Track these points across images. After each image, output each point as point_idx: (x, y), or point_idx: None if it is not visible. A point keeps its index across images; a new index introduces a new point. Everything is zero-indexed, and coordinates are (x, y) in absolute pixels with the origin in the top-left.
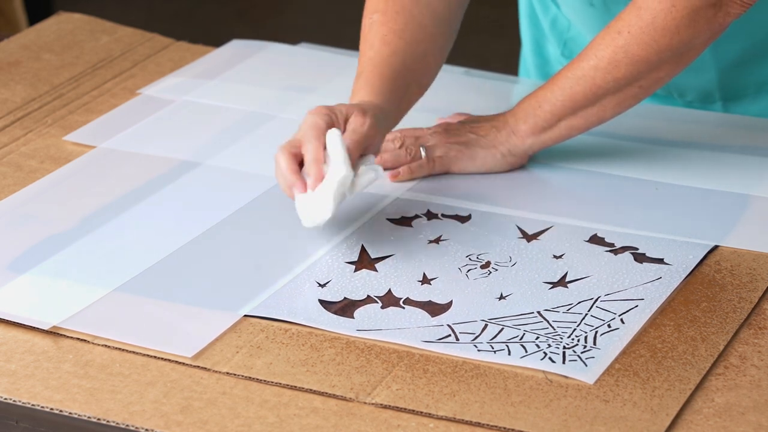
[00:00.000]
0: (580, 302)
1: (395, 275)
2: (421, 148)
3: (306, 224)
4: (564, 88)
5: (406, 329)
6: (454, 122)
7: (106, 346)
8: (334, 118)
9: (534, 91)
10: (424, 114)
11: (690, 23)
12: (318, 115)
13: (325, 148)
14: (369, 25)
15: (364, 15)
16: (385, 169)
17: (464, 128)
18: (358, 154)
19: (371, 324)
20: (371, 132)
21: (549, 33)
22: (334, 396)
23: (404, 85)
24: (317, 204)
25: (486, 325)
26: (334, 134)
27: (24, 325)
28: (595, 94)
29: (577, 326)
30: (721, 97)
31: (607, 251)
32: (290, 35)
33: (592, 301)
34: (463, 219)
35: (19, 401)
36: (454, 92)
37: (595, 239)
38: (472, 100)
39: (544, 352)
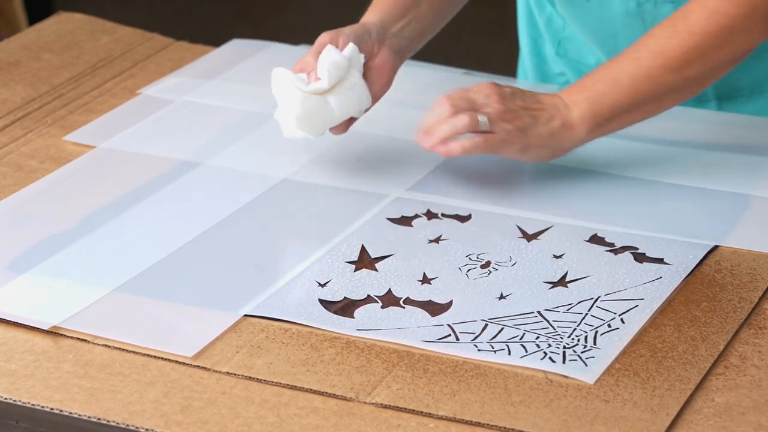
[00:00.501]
0: (580, 302)
1: (395, 275)
2: (480, 117)
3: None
4: (625, 84)
5: (406, 329)
6: (498, 93)
7: (106, 346)
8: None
9: (588, 84)
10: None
11: (764, 27)
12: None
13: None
14: None
15: None
16: (442, 142)
17: (519, 103)
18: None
19: (371, 324)
20: (325, 38)
21: (544, 32)
22: (334, 396)
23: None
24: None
25: (486, 325)
26: (277, 71)
27: (24, 325)
28: (659, 91)
29: (578, 326)
30: (715, 96)
31: (607, 251)
32: (290, 35)
33: (592, 300)
34: (463, 219)
35: (19, 401)
36: None
37: (595, 239)
38: None
39: (545, 352)
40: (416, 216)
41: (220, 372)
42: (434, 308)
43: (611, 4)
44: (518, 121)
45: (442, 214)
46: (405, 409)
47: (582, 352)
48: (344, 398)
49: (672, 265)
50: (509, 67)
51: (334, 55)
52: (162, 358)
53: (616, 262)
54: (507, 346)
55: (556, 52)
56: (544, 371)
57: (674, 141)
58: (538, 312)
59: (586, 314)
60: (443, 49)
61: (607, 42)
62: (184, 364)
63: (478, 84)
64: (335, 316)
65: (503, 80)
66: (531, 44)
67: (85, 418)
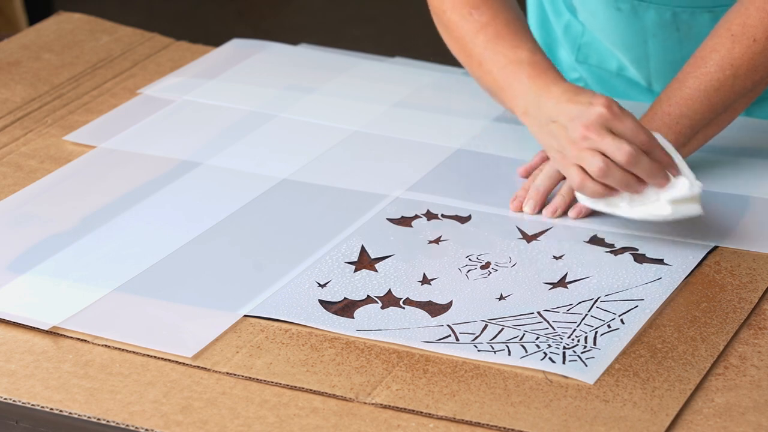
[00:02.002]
0: (580, 303)
1: (395, 275)
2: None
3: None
4: (699, 101)
5: (406, 329)
6: None
7: (106, 346)
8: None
9: (663, 109)
10: (427, 113)
11: None
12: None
13: None
14: (476, 30)
15: (449, 14)
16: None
17: None
18: None
19: (371, 324)
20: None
21: (562, 38)
22: (334, 396)
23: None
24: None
25: (486, 326)
26: (662, 137)
27: (24, 325)
28: (732, 99)
29: (577, 326)
30: None
31: (607, 252)
32: (290, 35)
33: (592, 301)
34: (463, 219)
35: (19, 401)
36: (455, 92)
37: (595, 240)
38: (472, 100)
39: (544, 353)
40: (416, 216)
41: (220, 372)
42: (434, 309)
43: (645, 13)
44: None
45: (442, 215)
46: (405, 409)
47: (582, 353)
48: (344, 398)
49: (672, 266)
50: None
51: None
52: (162, 358)
53: (616, 262)
54: (507, 346)
55: (576, 58)
56: (544, 372)
57: None
58: (538, 313)
59: (586, 315)
60: (443, 49)
61: (636, 49)
62: (184, 364)
63: None
64: (335, 316)
65: None
66: (545, 50)
67: (85, 418)
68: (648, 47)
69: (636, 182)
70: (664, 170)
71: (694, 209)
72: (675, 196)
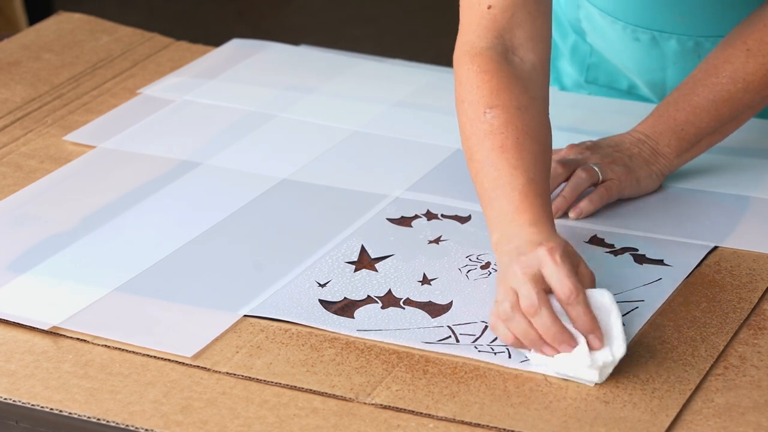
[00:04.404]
0: None
1: (395, 275)
2: (594, 167)
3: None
4: (707, 110)
5: (406, 330)
6: (582, 147)
7: (106, 346)
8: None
9: (669, 113)
10: (427, 113)
11: None
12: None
13: None
14: (484, 133)
15: (466, 106)
16: (569, 205)
17: (607, 149)
18: None
19: (371, 324)
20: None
21: (570, 58)
22: (334, 396)
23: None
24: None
25: (486, 326)
26: (607, 296)
27: (24, 325)
28: (739, 111)
29: None
30: None
31: (607, 252)
32: (290, 35)
33: None
34: (463, 219)
35: (19, 401)
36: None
37: (595, 240)
38: None
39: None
40: (416, 216)
41: (220, 372)
42: (434, 309)
43: (666, 43)
44: (619, 161)
45: (442, 215)
46: (404, 409)
47: None
48: (344, 399)
49: (672, 266)
50: None
51: (599, 300)
52: (162, 358)
53: (616, 263)
54: (507, 348)
55: (585, 79)
56: (543, 373)
57: None
58: None
59: None
60: (443, 49)
61: (653, 75)
62: (184, 364)
63: (562, 149)
64: (335, 316)
65: None
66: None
67: (85, 418)
68: (666, 74)
69: (539, 340)
70: (568, 335)
71: (590, 375)
72: (569, 364)
